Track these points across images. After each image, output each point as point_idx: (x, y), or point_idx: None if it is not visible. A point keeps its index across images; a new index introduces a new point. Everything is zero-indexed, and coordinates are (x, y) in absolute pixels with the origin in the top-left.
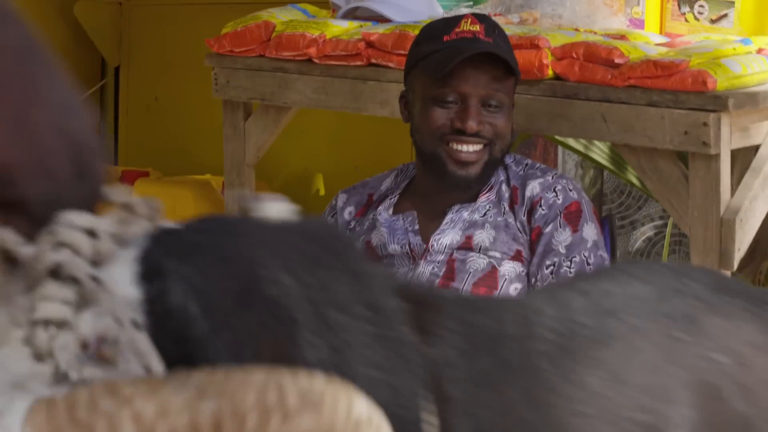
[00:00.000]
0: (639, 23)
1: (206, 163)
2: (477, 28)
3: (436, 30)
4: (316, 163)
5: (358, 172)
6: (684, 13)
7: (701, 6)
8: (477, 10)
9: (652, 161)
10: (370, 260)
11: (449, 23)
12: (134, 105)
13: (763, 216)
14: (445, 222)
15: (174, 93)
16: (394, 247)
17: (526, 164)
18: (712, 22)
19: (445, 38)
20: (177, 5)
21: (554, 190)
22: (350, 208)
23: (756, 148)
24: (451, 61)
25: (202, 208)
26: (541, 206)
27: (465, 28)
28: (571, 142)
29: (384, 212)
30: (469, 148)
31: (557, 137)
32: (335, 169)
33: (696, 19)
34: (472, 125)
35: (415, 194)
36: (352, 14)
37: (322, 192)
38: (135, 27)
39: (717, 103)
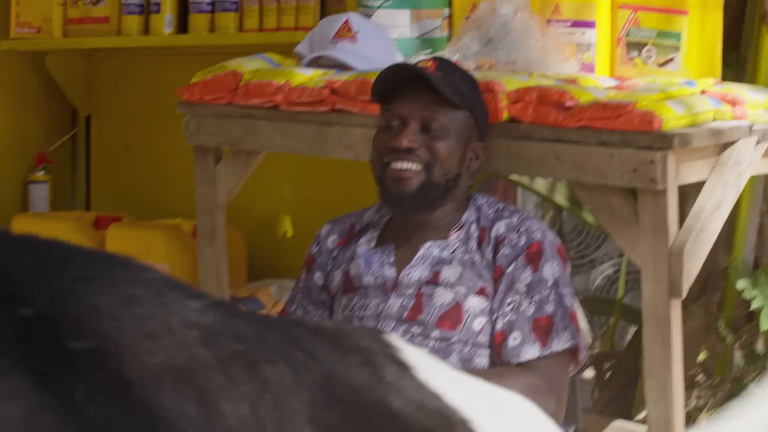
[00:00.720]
0: (590, 68)
1: (177, 207)
2: (429, 64)
3: (393, 69)
4: (283, 206)
5: (324, 214)
6: (632, 58)
7: (649, 50)
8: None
9: (604, 197)
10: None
11: (410, 62)
12: (105, 152)
13: (709, 248)
14: (416, 257)
15: (144, 140)
16: (368, 279)
17: (498, 207)
18: (660, 65)
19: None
20: (145, 56)
21: (518, 231)
22: (333, 237)
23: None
24: (384, 81)
25: (173, 250)
26: (504, 246)
27: (419, 64)
28: (535, 183)
29: (364, 244)
30: (402, 165)
31: (516, 179)
32: (302, 211)
33: (644, 63)
34: (402, 141)
35: (394, 229)
36: (315, 63)
37: (289, 233)
38: (104, 78)
39: (663, 141)
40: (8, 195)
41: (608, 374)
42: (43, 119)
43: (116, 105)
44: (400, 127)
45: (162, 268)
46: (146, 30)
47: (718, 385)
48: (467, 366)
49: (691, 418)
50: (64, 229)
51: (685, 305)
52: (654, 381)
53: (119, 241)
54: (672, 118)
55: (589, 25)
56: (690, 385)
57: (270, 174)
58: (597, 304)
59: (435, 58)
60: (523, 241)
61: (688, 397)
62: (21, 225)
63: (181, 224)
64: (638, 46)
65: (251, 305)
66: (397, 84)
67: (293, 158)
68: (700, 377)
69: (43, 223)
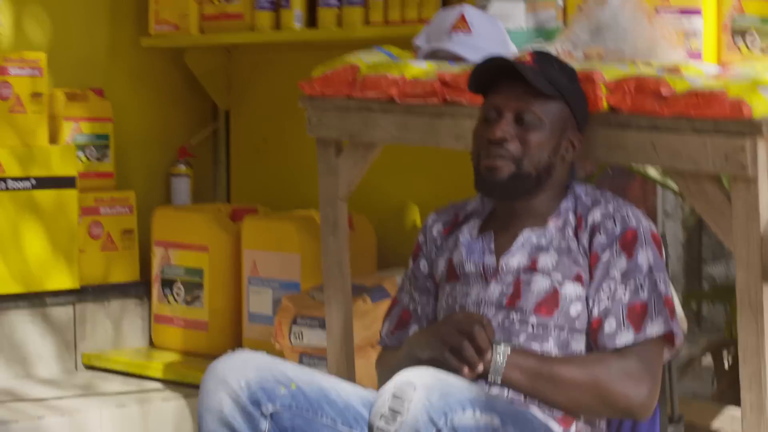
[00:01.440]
0: (697, 55)
1: (312, 198)
2: (527, 58)
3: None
4: (412, 195)
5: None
6: (738, 44)
7: (752, 36)
8: (546, 46)
9: (699, 184)
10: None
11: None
12: (244, 146)
13: None
14: (515, 245)
15: (280, 133)
16: (469, 267)
17: (596, 195)
18: (763, 51)
19: None
20: (280, 52)
21: (613, 219)
22: (438, 226)
23: None
24: (477, 74)
25: (304, 241)
26: (599, 233)
27: (517, 58)
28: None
29: (467, 233)
30: (493, 152)
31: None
32: (430, 201)
33: (749, 49)
34: (496, 132)
35: (495, 218)
36: (432, 55)
37: (418, 223)
38: (242, 73)
39: (753, 128)
40: (152, 187)
41: (727, 362)
42: (184, 114)
43: (254, 99)
44: (497, 119)
45: (293, 258)
46: (277, 25)
47: None
48: (564, 351)
49: None
50: (202, 221)
51: None
52: (748, 367)
53: (253, 232)
54: (763, 105)
55: (696, 12)
56: None
57: (399, 164)
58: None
59: (534, 51)
60: (618, 229)
61: None
62: (162, 216)
63: (313, 215)
64: (742, 33)
65: (377, 294)
66: (495, 76)
67: (421, 148)
68: None
69: (184, 214)
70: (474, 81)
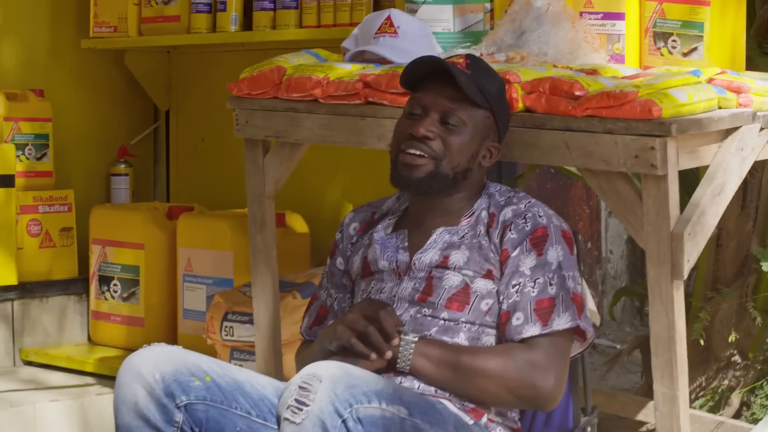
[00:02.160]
0: (620, 58)
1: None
2: (461, 60)
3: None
4: (346, 194)
5: None
6: (659, 48)
7: (674, 41)
8: (472, 50)
9: (611, 183)
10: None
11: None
12: (183, 146)
13: (711, 230)
14: (428, 242)
15: (218, 133)
16: (383, 263)
17: (509, 195)
18: (684, 55)
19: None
20: (216, 52)
21: (524, 217)
22: (355, 224)
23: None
24: (411, 71)
25: (238, 239)
26: (510, 231)
27: (450, 59)
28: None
29: (381, 230)
30: (414, 151)
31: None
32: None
33: (670, 53)
34: (419, 129)
35: (409, 216)
36: (359, 57)
37: None
38: (181, 74)
39: (662, 128)
40: (91, 187)
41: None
42: (124, 114)
43: (193, 100)
44: (421, 116)
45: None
46: (214, 27)
47: (751, 365)
48: (475, 345)
49: (725, 397)
50: (139, 219)
51: (720, 289)
52: (660, 359)
53: (188, 230)
54: (672, 106)
55: (619, 17)
56: (726, 365)
57: (333, 163)
58: None
59: (468, 56)
60: (529, 226)
61: (723, 378)
62: (100, 215)
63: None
64: (664, 37)
65: (307, 290)
66: (427, 75)
67: (355, 148)
68: (735, 358)
69: (120, 213)
70: (406, 77)
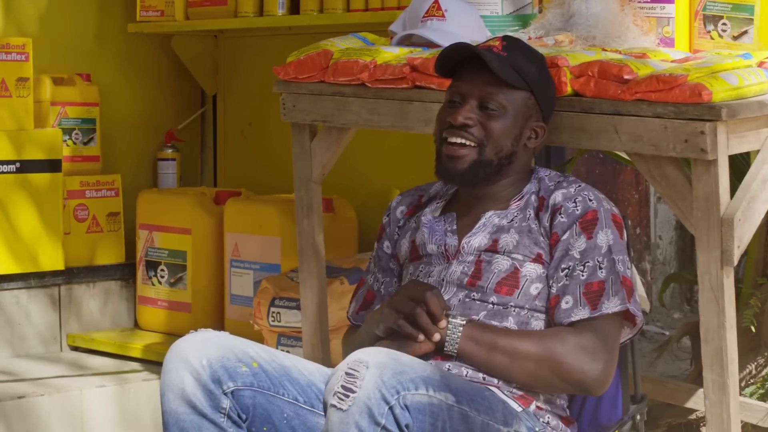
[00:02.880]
0: (670, 42)
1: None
2: (496, 43)
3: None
4: (394, 180)
5: None
6: (709, 31)
7: (724, 24)
8: (520, 33)
9: (660, 168)
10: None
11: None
12: (230, 130)
13: (761, 216)
14: (477, 226)
15: (265, 117)
16: (431, 247)
17: (559, 179)
18: (734, 38)
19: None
20: (264, 36)
21: (574, 201)
22: (402, 208)
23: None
24: (445, 59)
25: (285, 224)
26: (560, 214)
27: (486, 44)
28: None
29: (429, 214)
30: (456, 140)
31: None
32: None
33: (720, 36)
34: (458, 117)
35: (458, 200)
36: (407, 41)
37: None
38: (229, 58)
39: (712, 113)
40: (139, 171)
41: None
42: (171, 99)
43: (240, 84)
44: (460, 104)
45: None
46: (261, 11)
47: None
48: (524, 329)
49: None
50: (186, 204)
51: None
52: (710, 346)
53: (235, 215)
54: (723, 90)
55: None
56: None
57: (382, 148)
58: None
59: (504, 37)
60: (579, 210)
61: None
62: (147, 199)
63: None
64: (714, 20)
65: (355, 275)
66: (464, 61)
67: (403, 133)
68: None
69: (167, 198)
70: (439, 65)
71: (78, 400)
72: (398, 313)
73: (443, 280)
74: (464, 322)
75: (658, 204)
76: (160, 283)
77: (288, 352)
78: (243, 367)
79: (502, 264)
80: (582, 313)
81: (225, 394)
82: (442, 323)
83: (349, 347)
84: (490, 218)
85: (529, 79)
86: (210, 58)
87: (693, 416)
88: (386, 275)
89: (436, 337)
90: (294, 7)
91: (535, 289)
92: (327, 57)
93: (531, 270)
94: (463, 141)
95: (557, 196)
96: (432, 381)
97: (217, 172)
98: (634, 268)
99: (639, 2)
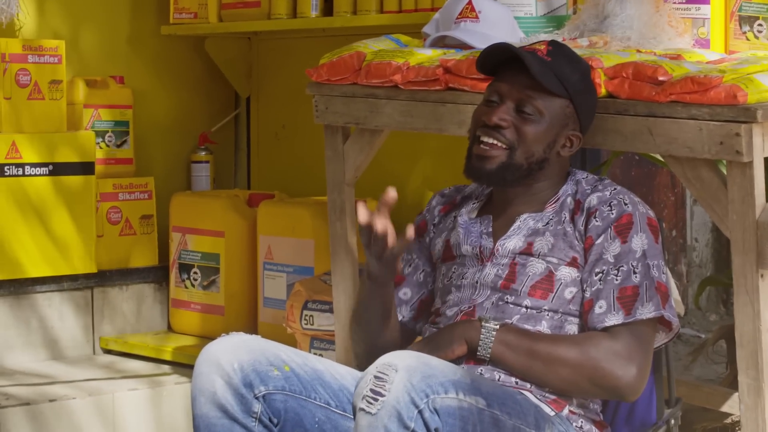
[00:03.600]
0: (705, 43)
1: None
2: (542, 47)
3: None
4: (427, 182)
5: None
6: (744, 32)
7: (760, 25)
8: (554, 34)
9: (695, 170)
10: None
11: (527, 43)
12: (264, 133)
13: None
14: (512, 229)
15: (299, 120)
16: (466, 248)
17: (595, 182)
18: None
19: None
20: (300, 38)
21: (610, 204)
22: (440, 207)
23: None
24: (487, 57)
25: (319, 227)
26: (595, 218)
27: (531, 46)
28: None
29: (465, 215)
30: (488, 140)
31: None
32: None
33: (756, 37)
34: (492, 118)
35: (494, 202)
36: (440, 42)
37: None
38: (262, 60)
39: (747, 114)
40: (172, 174)
41: None
42: (204, 101)
43: (273, 86)
44: (497, 104)
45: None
46: (294, 13)
47: None
48: (557, 333)
49: None
50: (219, 207)
51: None
52: (745, 350)
53: (269, 218)
54: (758, 92)
55: (704, 0)
56: None
57: (415, 150)
58: None
59: (551, 42)
60: (614, 214)
61: None
62: (180, 202)
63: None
64: (750, 21)
65: None
66: (507, 61)
67: (438, 135)
68: None
69: (200, 200)
70: (481, 63)
71: (110, 403)
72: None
73: (477, 282)
74: (498, 327)
75: (694, 206)
76: (193, 286)
77: (321, 355)
78: (275, 370)
79: (536, 267)
80: (616, 318)
81: (256, 398)
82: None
83: (350, 323)
84: (525, 221)
85: (570, 86)
86: (243, 61)
87: (728, 420)
88: (414, 261)
89: (410, 230)
90: (327, 8)
91: (569, 293)
92: (360, 59)
93: (566, 274)
94: (495, 142)
95: (593, 200)
96: (462, 384)
97: (250, 175)
98: (668, 272)
99: (674, 3)
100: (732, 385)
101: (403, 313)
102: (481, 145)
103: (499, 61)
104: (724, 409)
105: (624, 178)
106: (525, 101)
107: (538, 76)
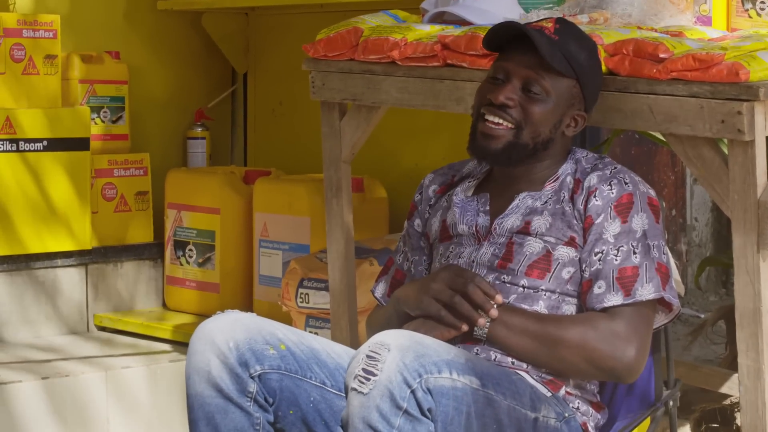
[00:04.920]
0: (707, 20)
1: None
2: (549, 25)
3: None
4: (426, 161)
5: None
6: (747, 10)
7: (762, 2)
8: (554, 11)
9: (695, 149)
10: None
11: (529, 19)
12: (261, 109)
13: None
14: (510, 207)
15: (296, 96)
16: (462, 227)
17: (596, 161)
18: None
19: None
20: (298, 14)
21: (610, 184)
22: (434, 186)
23: None
24: (495, 34)
25: (315, 204)
26: (595, 197)
27: (539, 23)
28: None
29: (461, 193)
30: (494, 119)
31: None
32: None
33: (758, 14)
34: (499, 96)
35: (492, 180)
36: (439, 18)
37: None
38: (260, 36)
39: (750, 92)
40: (168, 150)
41: None
42: (201, 77)
43: (271, 62)
44: (503, 82)
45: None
46: None
47: None
48: (554, 313)
49: None
50: (215, 183)
51: None
52: (745, 331)
53: (265, 195)
54: (760, 69)
55: None
56: None
57: (413, 128)
58: None
59: (558, 20)
60: (614, 193)
61: None
62: (175, 178)
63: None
64: None
65: (384, 256)
66: (513, 38)
67: (435, 113)
68: None
69: (196, 177)
70: (488, 40)
71: (104, 380)
72: (437, 301)
73: (473, 261)
74: (495, 306)
75: (694, 185)
76: (188, 263)
77: (316, 333)
78: (270, 349)
79: (534, 246)
80: (615, 299)
81: (252, 377)
82: (493, 312)
83: (375, 328)
84: (524, 199)
85: (577, 66)
86: (241, 36)
87: (727, 402)
88: (416, 254)
89: (481, 322)
90: None
91: (567, 273)
92: (357, 34)
93: (563, 253)
94: (501, 121)
95: (592, 179)
96: (456, 364)
97: (247, 152)
98: (669, 252)
99: None
100: (731, 366)
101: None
102: (487, 123)
103: (506, 38)
104: (723, 390)
105: (624, 157)
106: (532, 80)
107: (547, 56)
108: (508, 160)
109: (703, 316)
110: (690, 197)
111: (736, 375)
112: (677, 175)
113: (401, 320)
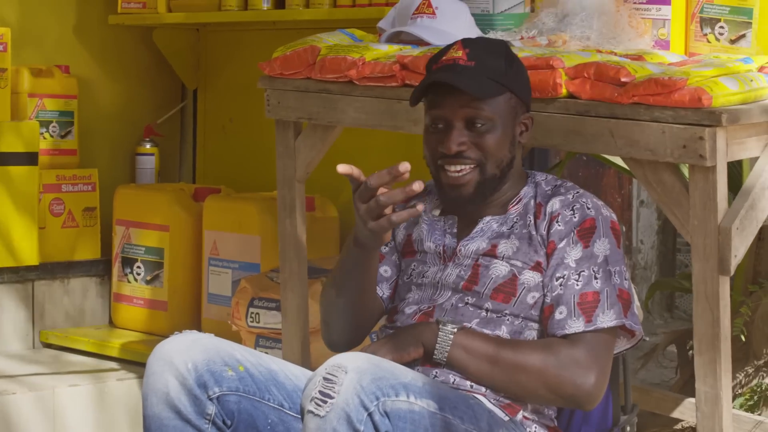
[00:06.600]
0: (665, 44)
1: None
2: (460, 53)
3: (431, 61)
4: None
5: None
6: (706, 34)
7: (721, 27)
8: (512, 32)
9: (656, 173)
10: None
11: (442, 52)
12: (211, 126)
13: (759, 225)
14: (475, 230)
15: (247, 113)
16: (429, 245)
17: (556, 184)
18: (732, 42)
19: (433, 68)
20: (248, 31)
21: (572, 208)
22: None
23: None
24: (416, 94)
25: (266, 222)
26: (557, 222)
27: (450, 56)
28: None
29: (429, 211)
30: (456, 168)
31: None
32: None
33: (717, 39)
34: (450, 147)
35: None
36: (396, 38)
37: None
38: (211, 52)
39: (712, 118)
40: (117, 166)
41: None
42: (151, 92)
43: (222, 79)
44: (446, 129)
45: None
46: (245, 5)
47: None
48: (516, 338)
49: (764, 396)
50: (164, 200)
51: (762, 283)
52: (703, 357)
53: (215, 213)
54: (723, 95)
55: (665, 1)
56: (766, 363)
57: (365, 147)
58: None
59: (465, 44)
60: (576, 218)
61: (763, 376)
62: (124, 195)
63: (276, 197)
64: (711, 23)
65: None
66: (433, 84)
67: (391, 132)
68: None
69: (145, 194)
70: (416, 99)
71: (51, 398)
72: (367, 209)
73: (438, 282)
74: (455, 330)
75: (640, 208)
76: (136, 280)
77: (267, 353)
78: (229, 371)
79: (500, 270)
80: (576, 326)
81: (210, 399)
82: (402, 166)
83: (326, 287)
84: (489, 223)
85: (503, 80)
86: (191, 52)
87: (679, 426)
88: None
89: (416, 185)
90: (279, 1)
91: (531, 298)
92: (314, 53)
93: (529, 278)
94: (462, 167)
95: (555, 204)
96: (413, 387)
97: (196, 168)
98: (630, 278)
99: (634, 3)
100: (682, 390)
101: (383, 290)
102: (450, 174)
103: (432, 89)
104: (675, 414)
105: (572, 179)
106: (473, 117)
107: (476, 92)
108: (483, 197)
109: (648, 338)
110: (636, 219)
111: (687, 399)
112: (624, 197)
113: (347, 263)
